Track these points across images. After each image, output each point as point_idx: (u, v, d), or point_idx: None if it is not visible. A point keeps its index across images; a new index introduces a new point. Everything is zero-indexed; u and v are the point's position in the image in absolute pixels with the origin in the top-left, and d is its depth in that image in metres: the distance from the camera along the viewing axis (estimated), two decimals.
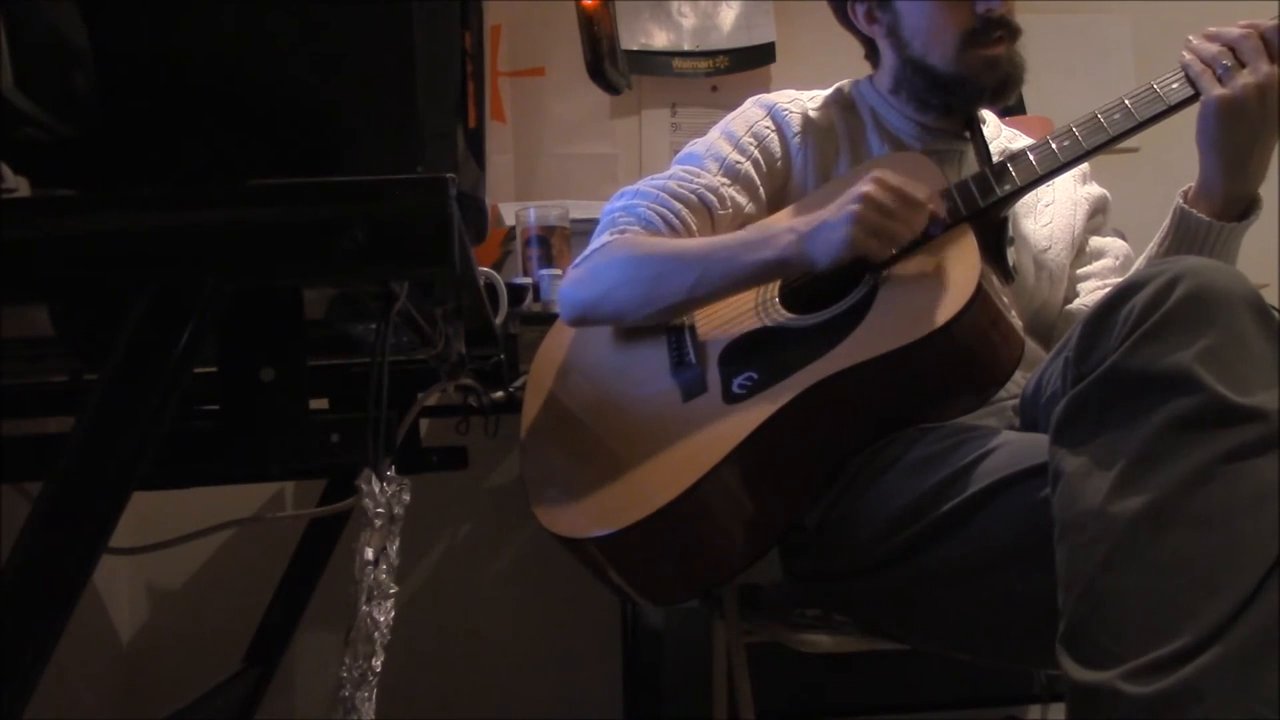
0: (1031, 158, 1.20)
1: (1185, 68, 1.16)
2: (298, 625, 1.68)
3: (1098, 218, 1.44)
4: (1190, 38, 1.16)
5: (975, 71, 1.30)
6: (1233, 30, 1.14)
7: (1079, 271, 1.41)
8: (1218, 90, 1.13)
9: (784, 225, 1.23)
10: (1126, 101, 1.17)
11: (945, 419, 1.18)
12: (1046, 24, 2.28)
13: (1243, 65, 1.12)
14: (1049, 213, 1.40)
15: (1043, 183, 1.22)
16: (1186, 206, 1.20)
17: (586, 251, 1.35)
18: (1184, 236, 1.20)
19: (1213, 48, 1.14)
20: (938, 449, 1.12)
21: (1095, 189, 1.46)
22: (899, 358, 1.11)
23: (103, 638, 1.92)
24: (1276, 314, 0.90)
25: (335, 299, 0.99)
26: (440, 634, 2.05)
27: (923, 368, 1.14)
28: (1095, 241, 1.42)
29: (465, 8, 0.85)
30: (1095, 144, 1.17)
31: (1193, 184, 1.22)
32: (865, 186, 1.15)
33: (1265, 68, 1.11)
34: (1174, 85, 1.17)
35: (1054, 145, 1.19)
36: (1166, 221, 1.24)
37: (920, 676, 1.81)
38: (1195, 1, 1.97)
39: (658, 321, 1.30)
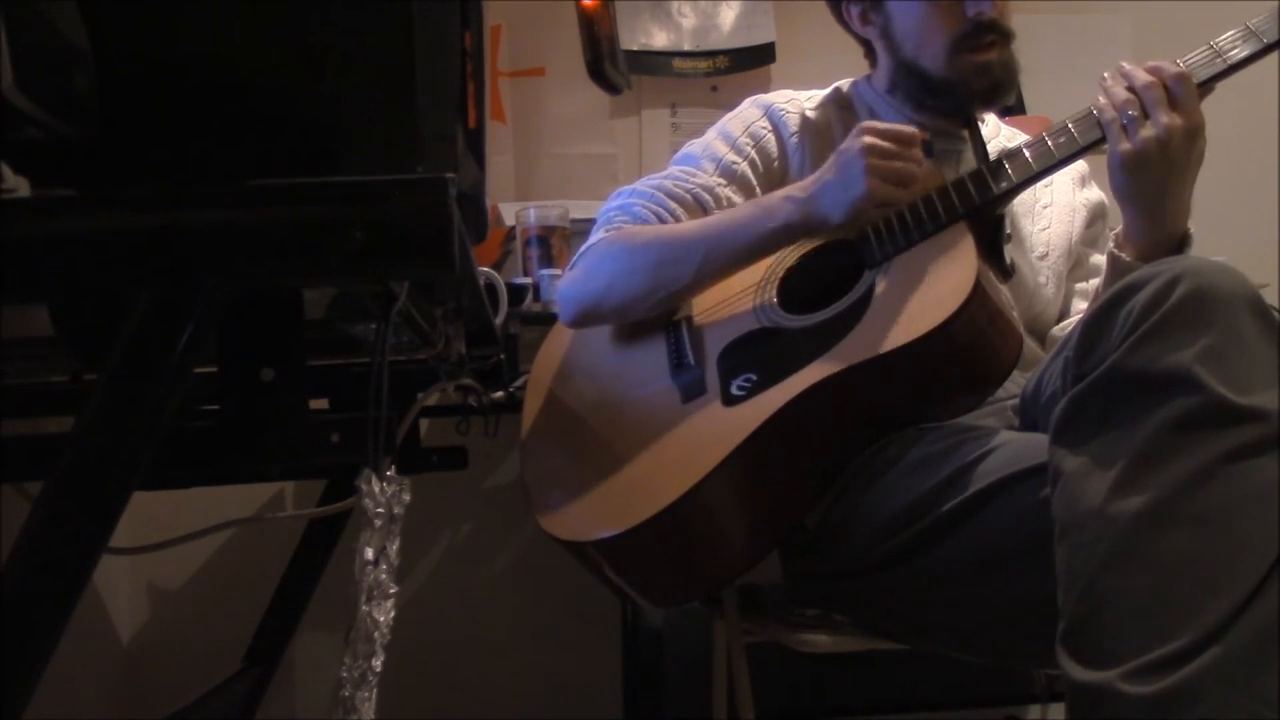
0: (1027, 154, 1.20)
1: (1097, 114, 1.14)
2: (298, 625, 1.68)
3: (1096, 225, 1.44)
4: (1105, 75, 1.14)
5: (965, 76, 1.30)
6: (1139, 76, 1.12)
7: (1076, 286, 1.41)
8: (1121, 145, 1.11)
9: (779, 195, 1.24)
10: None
11: (945, 419, 1.18)
12: (1046, 24, 2.28)
13: (1146, 117, 1.10)
14: (1046, 215, 1.40)
15: (1039, 179, 1.21)
16: (1117, 251, 1.20)
17: (581, 250, 1.35)
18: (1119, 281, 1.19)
19: (1120, 95, 1.12)
20: (937, 449, 1.12)
21: (1094, 194, 1.45)
22: (897, 357, 1.11)
23: (103, 638, 1.92)
24: (1277, 314, 0.90)
25: (335, 299, 0.99)
26: (440, 634, 2.05)
27: (921, 367, 1.14)
28: (1096, 259, 1.41)
29: (465, 8, 0.85)
30: (1091, 140, 1.17)
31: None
32: (862, 139, 1.16)
33: (1165, 120, 1.09)
34: None
35: (1050, 142, 1.19)
36: (1106, 266, 1.23)
37: (920, 676, 1.81)
38: (1195, 1, 1.97)
39: (663, 309, 1.30)
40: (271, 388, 0.85)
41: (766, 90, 1.54)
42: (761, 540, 1.19)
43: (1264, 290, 0.95)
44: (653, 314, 1.30)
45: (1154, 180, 1.12)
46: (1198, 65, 1.13)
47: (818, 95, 1.45)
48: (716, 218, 1.28)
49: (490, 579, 2.10)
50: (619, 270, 1.28)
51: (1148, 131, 1.10)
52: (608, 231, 1.33)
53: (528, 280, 1.73)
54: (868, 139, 1.16)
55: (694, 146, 1.40)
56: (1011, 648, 1.13)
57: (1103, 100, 1.14)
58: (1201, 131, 1.11)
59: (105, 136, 0.71)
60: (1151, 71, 1.12)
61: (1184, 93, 1.10)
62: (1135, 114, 1.11)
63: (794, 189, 1.23)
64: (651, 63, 2.20)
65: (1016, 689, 1.83)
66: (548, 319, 1.48)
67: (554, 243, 1.83)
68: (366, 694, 0.82)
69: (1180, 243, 1.17)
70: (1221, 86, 1.15)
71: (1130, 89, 1.12)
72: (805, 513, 1.22)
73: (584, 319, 1.34)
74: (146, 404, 0.66)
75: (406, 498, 0.90)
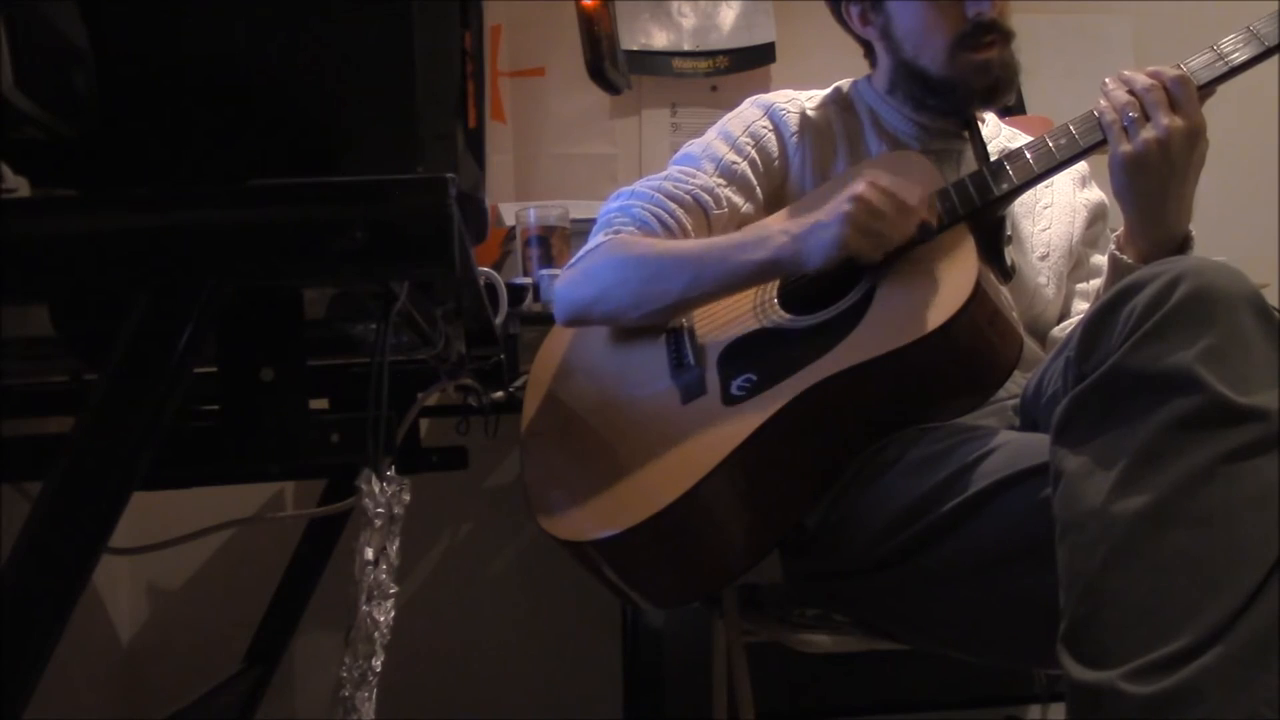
0: (1028, 156, 1.20)
1: (1098, 116, 1.15)
2: (298, 625, 1.68)
3: (1097, 225, 1.44)
4: (1106, 80, 1.15)
5: (966, 75, 1.30)
6: (1140, 79, 1.12)
7: (1077, 287, 1.41)
8: (1122, 146, 1.12)
9: (778, 226, 1.23)
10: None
11: (945, 419, 1.18)
12: (1046, 24, 2.28)
13: (1146, 119, 1.11)
14: (1047, 216, 1.40)
15: (1040, 181, 1.22)
16: (1118, 252, 1.20)
17: (581, 252, 1.35)
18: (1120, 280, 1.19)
19: (1122, 97, 1.12)
20: (937, 449, 1.12)
21: (1094, 194, 1.45)
22: (897, 358, 1.11)
23: (103, 638, 1.92)
24: (1277, 314, 0.90)
25: (335, 299, 0.99)
26: (440, 634, 2.05)
27: (921, 368, 1.14)
28: (1096, 259, 1.41)
29: (465, 8, 0.85)
30: (1091, 142, 1.17)
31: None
32: (859, 187, 1.16)
33: (1165, 121, 1.10)
34: None
35: (1050, 144, 1.19)
36: (1107, 267, 1.23)
37: (920, 676, 1.81)
38: (1195, 1, 1.97)
39: (652, 323, 1.30)
40: (271, 388, 0.85)
41: (766, 90, 1.54)
42: (761, 541, 1.19)
43: (1264, 290, 0.95)
44: (642, 324, 1.31)
45: (1155, 182, 1.12)
46: (1199, 68, 1.13)
47: (818, 95, 1.44)
48: (714, 241, 1.28)
49: (490, 579, 2.10)
50: (612, 280, 1.29)
51: (1148, 133, 1.10)
52: (607, 235, 1.33)
53: (528, 280, 1.73)
54: (861, 189, 1.15)
55: (694, 146, 1.40)
56: (1011, 648, 1.13)
57: (1104, 103, 1.14)
58: (1202, 134, 1.12)
59: (105, 136, 0.71)
60: (1152, 75, 1.12)
61: (1184, 95, 1.11)
62: (1136, 116, 1.11)
63: (792, 222, 1.22)
64: (651, 63, 2.20)
65: (1016, 689, 1.83)
66: (548, 319, 1.48)
67: (554, 243, 1.83)
68: (366, 694, 0.82)
69: (1181, 245, 1.17)
70: (1222, 87, 1.15)
71: (1131, 91, 1.12)
72: (805, 513, 1.21)
73: (575, 321, 1.35)
74: (146, 404, 0.66)
75: (406, 498, 0.90)
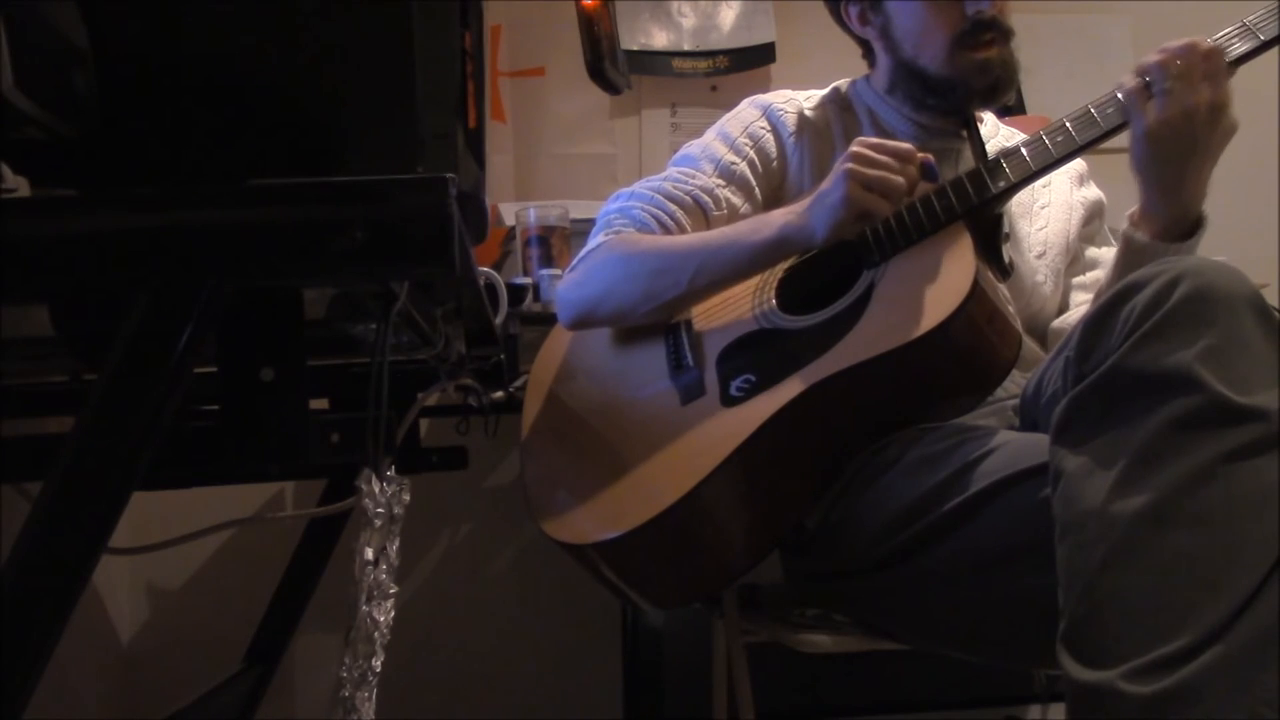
0: (1025, 153, 1.20)
1: (1117, 91, 1.14)
2: (298, 625, 1.68)
3: (1094, 223, 1.44)
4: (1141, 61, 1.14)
5: (966, 74, 1.30)
6: (1170, 48, 1.11)
7: (1074, 281, 1.41)
8: (1146, 117, 1.11)
9: (780, 210, 1.24)
10: (1119, 95, 1.17)
11: (944, 419, 1.18)
12: (1046, 24, 2.28)
13: (1173, 89, 1.10)
14: (1044, 215, 1.40)
15: (1037, 178, 1.21)
16: (1131, 230, 1.19)
17: (580, 254, 1.35)
18: (1131, 260, 1.18)
19: (1150, 63, 1.12)
20: (937, 449, 1.12)
21: (1092, 192, 1.45)
22: (896, 357, 1.11)
23: (103, 638, 1.92)
24: (1277, 314, 0.90)
25: (335, 299, 0.99)
26: (440, 634, 2.05)
27: (920, 367, 1.14)
28: (1091, 252, 1.41)
29: (465, 8, 0.85)
30: (1088, 139, 1.17)
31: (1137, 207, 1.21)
32: (851, 149, 1.16)
33: (1192, 93, 1.09)
34: None
35: (1047, 141, 1.19)
36: (1119, 245, 1.23)
37: (920, 676, 1.81)
38: (1195, 1, 1.97)
39: (659, 318, 1.30)
40: (271, 388, 0.85)
41: (766, 90, 1.54)
42: (761, 541, 1.19)
43: (1264, 290, 0.95)
44: (648, 321, 1.31)
45: (1176, 153, 1.12)
46: None
47: (816, 95, 1.45)
48: (718, 230, 1.28)
49: (490, 579, 2.10)
50: (616, 277, 1.29)
51: (1174, 104, 1.10)
52: (607, 235, 1.33)
53: (528, 280, 1.73)
54: (853, 149, 1.16)
55: (693, 148, 1.40)
56: (1011, 648, 1.13)
57: (1133, 71, 1.13)
58: (1226, 109, 1.11)
59: (105, 136, 0.71)
60: (1183, 46, 1.11)
61: (1213, 68, 1.10)
62: (1169, 85, 1.10)
63: (795, 205, 1.23)
64: (651, 63, 2.20)
65: (1016, 689, 1.83)
66: (548, 319, 1.49)
67: (554, 243, 1.83)
68: (366, 694, 0.82)
69: (1195, 224, 1.17)
70: None
71: (1160, 62, 1.11)
72: (805, 513, 1.22)
73: (580, 322, 1.35)
74: (146, 404, 0.66)
75: (406, 498, 0.90)
